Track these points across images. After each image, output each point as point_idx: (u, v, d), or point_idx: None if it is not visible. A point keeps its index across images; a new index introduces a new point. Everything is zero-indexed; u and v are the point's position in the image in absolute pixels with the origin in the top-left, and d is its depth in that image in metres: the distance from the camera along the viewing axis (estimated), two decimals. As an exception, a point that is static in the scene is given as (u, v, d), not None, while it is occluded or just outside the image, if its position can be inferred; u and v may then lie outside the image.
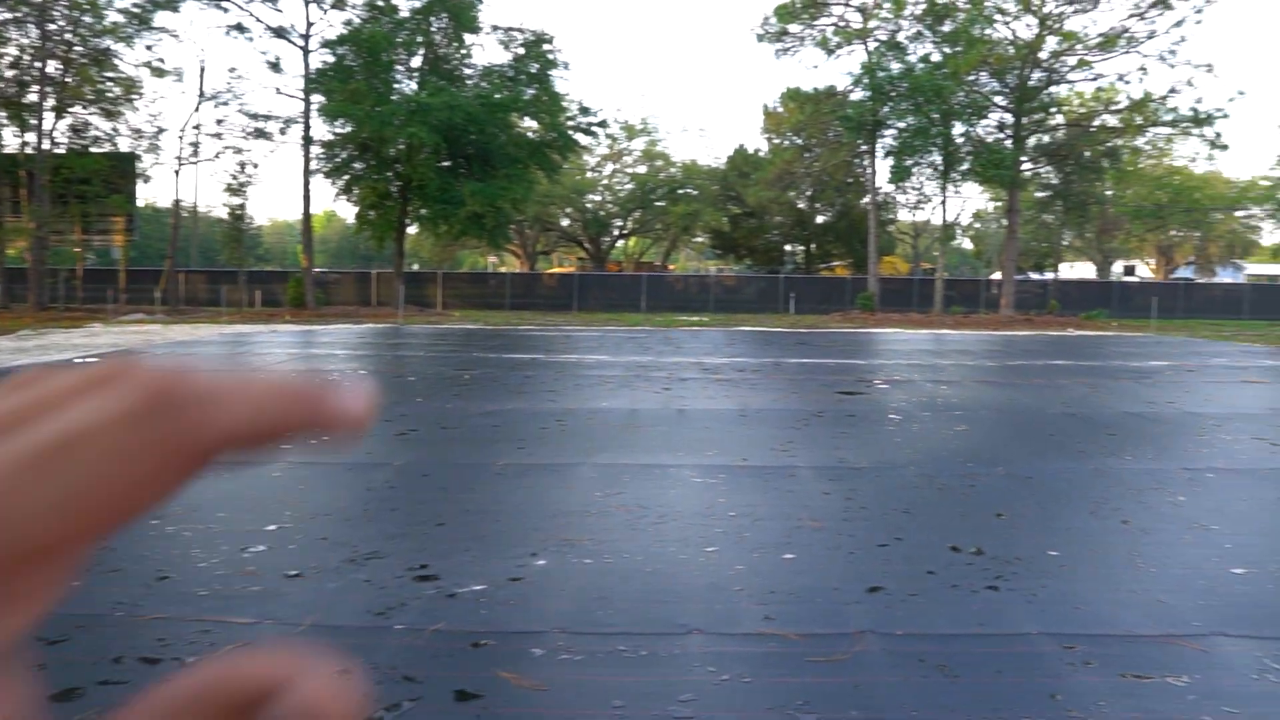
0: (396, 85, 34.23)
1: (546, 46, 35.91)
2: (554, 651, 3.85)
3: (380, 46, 31.28)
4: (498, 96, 34.12)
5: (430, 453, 8.08)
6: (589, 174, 59.88)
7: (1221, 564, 5.11)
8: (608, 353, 18.61)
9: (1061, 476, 7.25)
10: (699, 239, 64.46)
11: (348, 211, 37.74)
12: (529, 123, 38.30)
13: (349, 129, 33.57)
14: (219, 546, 5.26)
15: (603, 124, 37.86)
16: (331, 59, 32.86)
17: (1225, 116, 33.22)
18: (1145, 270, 73.77)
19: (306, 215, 35.30)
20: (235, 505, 6.13)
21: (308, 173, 34.27)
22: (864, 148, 37.03)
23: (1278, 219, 59.08)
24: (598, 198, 59.01)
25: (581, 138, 38.63)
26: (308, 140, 33.95)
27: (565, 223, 61.00)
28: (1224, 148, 32.45)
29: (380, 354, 17.97)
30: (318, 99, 33.08)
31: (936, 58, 34.28)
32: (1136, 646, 3.94)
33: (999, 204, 51.14)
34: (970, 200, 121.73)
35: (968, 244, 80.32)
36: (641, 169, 59.34)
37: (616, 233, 60.35)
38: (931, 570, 4.89)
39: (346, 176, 35.11)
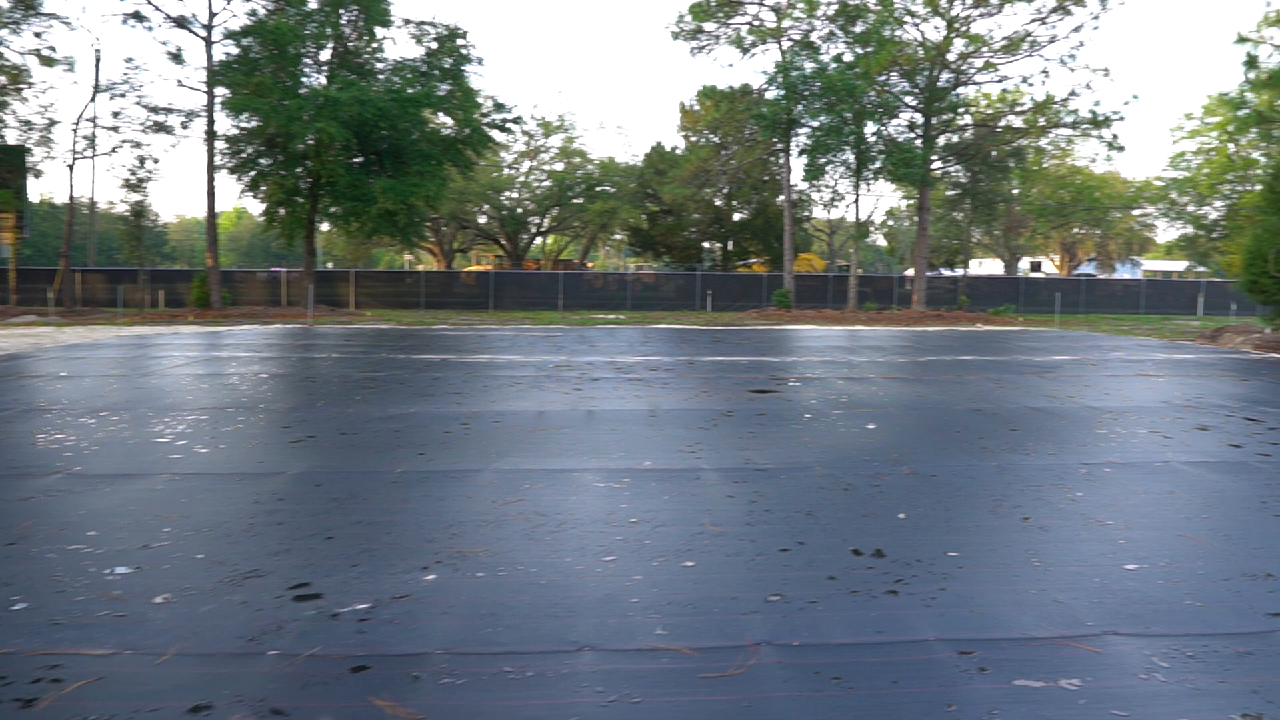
0: (305, 79, 33.24)
1: (460, 42, 35.31)
2: (436, 675, 3.64)
3: (287, 38, 30.31)
4: (410, 92, 33.41)
5: (326, 461, 7.74)
6: (506, 171, 59.26)
7: (1115, 560, 5.14)
8: (520, 352, 18.32)
9: (965, 474, 7.28)
10: (618, 237, 64.45)
11: (257, 208, 36.56)
12: (443, 119, 37.69)
13: (254, 123, 32.50)
14: (85, 569, 4.90)
15: (517, 120, 37.42)
16: (236, 50, 31.73)
17: (1121, 119, 34.44)
18: (1050, 267, 76.31)
19: (211, 212, 34.05)
20: (109, 523, 5.75)
21: (211, 168, 33.06)
22: (779, 146, 37.31)
23: (1170, 218, 61.63)
24: (515, 195, 58.45)
25: (496, 134, 38.13)
26: (211, 135, 32.76)
27: (482, 220, 60.29)
28: (1121, 149, 33.56)
29: (284, 356, 17.36)
30: (221, 92, 31.95)
31: (849, 58, 34.75)
32: (1032, 650, 3.90)
33: (911, 202, 52.24)
34: (884, 198, 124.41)
35: (882, 241, 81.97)
36: (559, 166, 58.98)
37: (534, 230, 59.86)
38: (832, 576, 4.80)
39: (253, 172, 33.99)
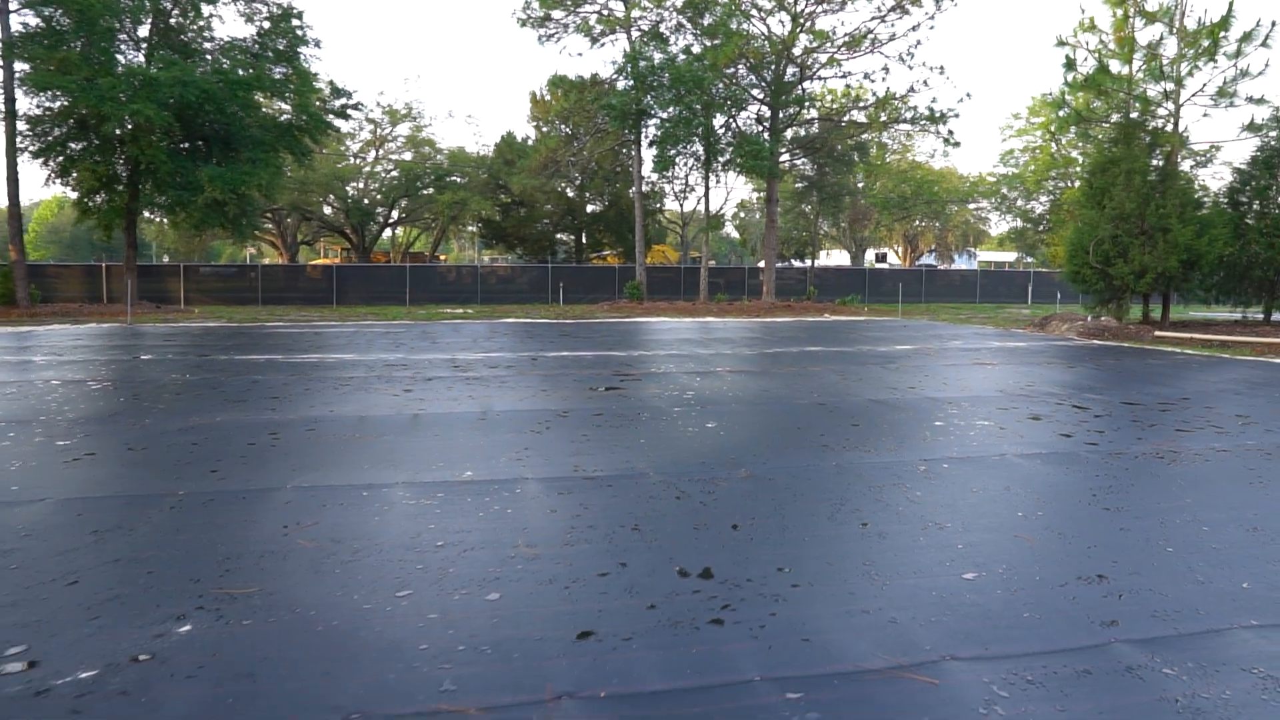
0: (120, 57, 30.69)
1: (295, 22, 33.39)
2: (155, 767, 2.93)
3: (95, 10, 27.82)
4: (240, 74, 31.35)
5: (99, 483, 6.76)
6: (353, 161, 56.90)
7: (953, 569, 4.86)
8: (356, 351, 17.27)
9: (804, 475, 6.96)
10: (471, 228, 62.91)
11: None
12: (279, 104, 35.62)
13: (61, 103, 29.79)
14: None
15: (357, 106, 35.76)
16: (37, 21, 28.93)
17: (957, 116, 35.72)
18: (895, 258, 79.26)
19: (14, 199, 31.02)
20: None
21: (13, 151, 30.07)
22: (630, 137, 37.00)
23: (1001, 211, 64.99)
24: (361, 185, 56.19)
25: (336, 121, 36.34)
26: (11, 114, 29.79)
27: (328, 212, 57.70)
28: (956, 145, 34.92)
29: (88, 360, 15.75)
30: (20, 67, 29.07)
31: (697, 49, 34.75)
32: (866, 686, 3.49)
33: (760, 194, 53.03)
34: (735, 190, 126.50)
35: (735, 233, 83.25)
36: (407, 156, 57.04)
37: (382, 222, 57.73)
38: (653, 604, 4.31)
39: (61, 157, 31.17)
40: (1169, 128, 24.43)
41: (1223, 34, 23.28)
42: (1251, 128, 23.79)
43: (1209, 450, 8.18)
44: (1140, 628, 4.11)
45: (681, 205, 47.93)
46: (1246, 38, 23.14)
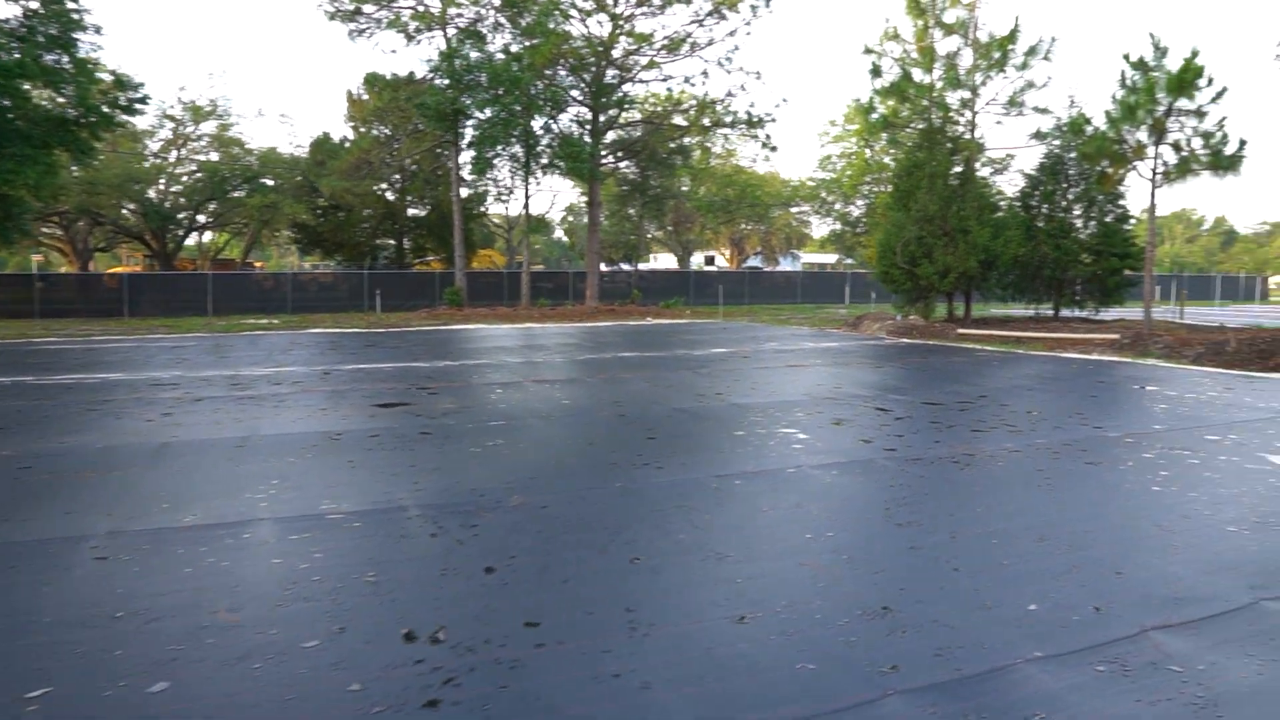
0: None
1: (70, 4, 30.31)
2: None
3: None
4: (2, 59, 28.16)
5: None
6: (153, 160, 52.71)
7: (728, 609, 4.30)
8: (128, 369, 15.52)
9: (583, 501, 6.31)
10: (285, 234, 59.56)
11: None
12: (57, 97, 32.24)
13: None
14: None
15: (145, 100, 32.81)
16: None
17: (774, 120, 36.39)
18: (723, 261, 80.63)
19: None
20: None
21: None
22: (448, 138, 35.71)
23: (821, 215, 67.21)
24: (162, 187, 52.11)
25: (123, 116, 33.27)
26: None
27: (126, 215, 53.17)
28: (774, 149, 35.49)
29: None
30: None
31: (516, 49, 33.91)
32: (594, 784, 2.84)
33: (587, 197, 52.66)
34: (563, 194, 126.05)
35: (565, 237, 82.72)
36: (214, 156, 53.34)
37: (187, 227, 53.75)
38: (360, 684, 3.51)
39: None
40: (967, 134, 25.46)
41: (1011, 47, 24.43)
42: (1038, 136, 25.09)
43: (1002, 451, 8.08)
44: (921, 672, 3.65)
45: (506, 208, 46.99)
46: (1032, 51, 24.37)
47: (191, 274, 40.38)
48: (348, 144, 47.30)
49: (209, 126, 53.81)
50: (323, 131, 54.57)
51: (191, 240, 61.79)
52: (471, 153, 32.80)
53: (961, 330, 22.52)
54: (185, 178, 52.21)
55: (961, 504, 6.26)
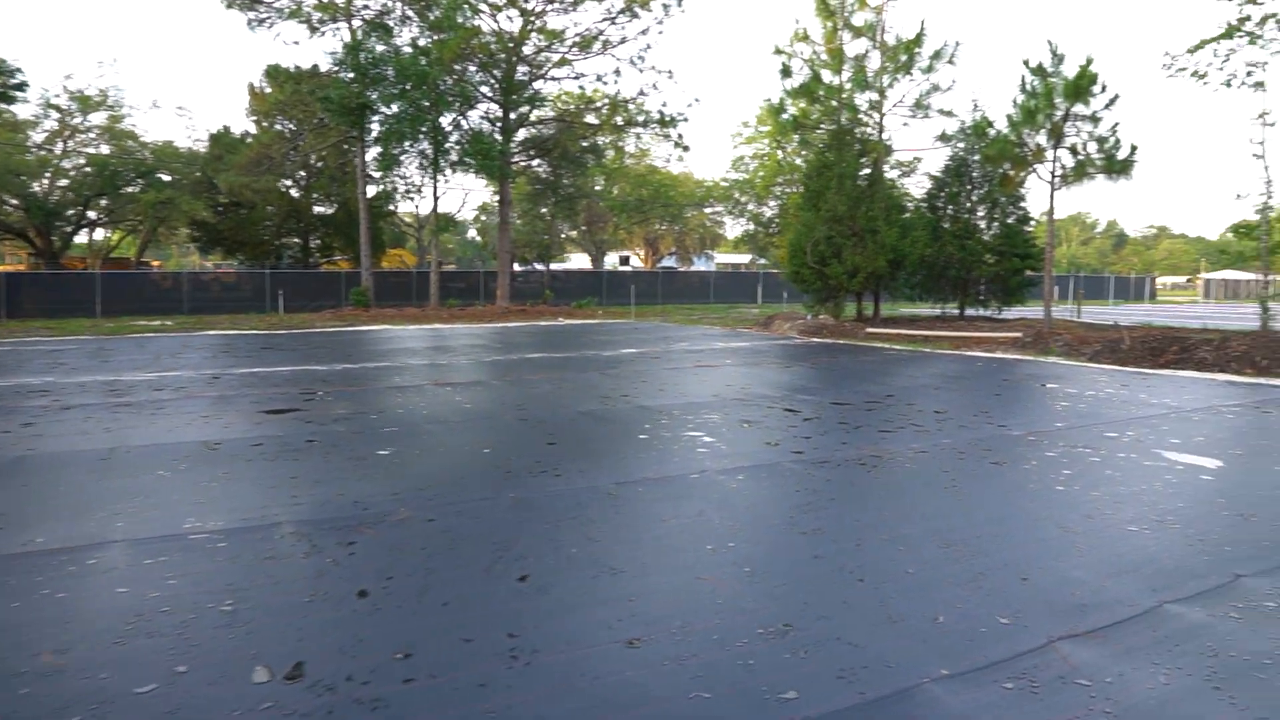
0: None
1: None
2: None
3: None
4: None
5: None
6: (38, 152, 49.95)
7: (619, 632, 3.99)
8: (-4, 373, 14.48)
9: (473, 514, 5.94)
10: (184, 231, 57.19)
11: None
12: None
13: None
14: None
15: (22, 86, 31.05)
16: None
17: (686, 120, 36.31)
18: (638, 261, 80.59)
19: None
20: None
21: None
22: (354, 134, 34.65)
23: (734, 215, 67.68)
24: (46, 182, 49.42)
25: (-1, 105, 31.42)
26: None
27: (10, 210, 50.26)
28: (686, 148, 35.46)
29: None
30: None
31: (424, 43, 33.12)
32: None
33: (499, 196, 51.85)
34: (476, 192, 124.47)
35: (477, 236, 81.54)
36: (105, 149, 50.84)
37: (75, 224, 51.11)
38: (195, 735, 3.10)
39: None
40: (876, 136, 25.74)
41: (917, 50, 24.79)
42: (943, 138, 25.54)
43: (908, 452, 7.97)
44: (821, 698, 3.40)
45: (416, 207, 45.90)
46: (937, 55, 24.77)
47: (78, 273, 38.37)
48: (250, 138, 45.65)
49: (99, 118, 51.47)
50: (223, 125, 52.51)
51: (84, 238, 59.05)
52: (378, 149, 31.83)
53: (870, 329, 22.72)
54: (73, 171, 49.74)
55: (867, 509, 6.08)
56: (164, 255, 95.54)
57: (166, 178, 47.34)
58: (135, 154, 48.88)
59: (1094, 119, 20.77)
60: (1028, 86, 21.43)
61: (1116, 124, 20.56)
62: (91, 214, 51.85)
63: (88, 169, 49.04)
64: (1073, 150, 21.08)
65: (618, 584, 4.61)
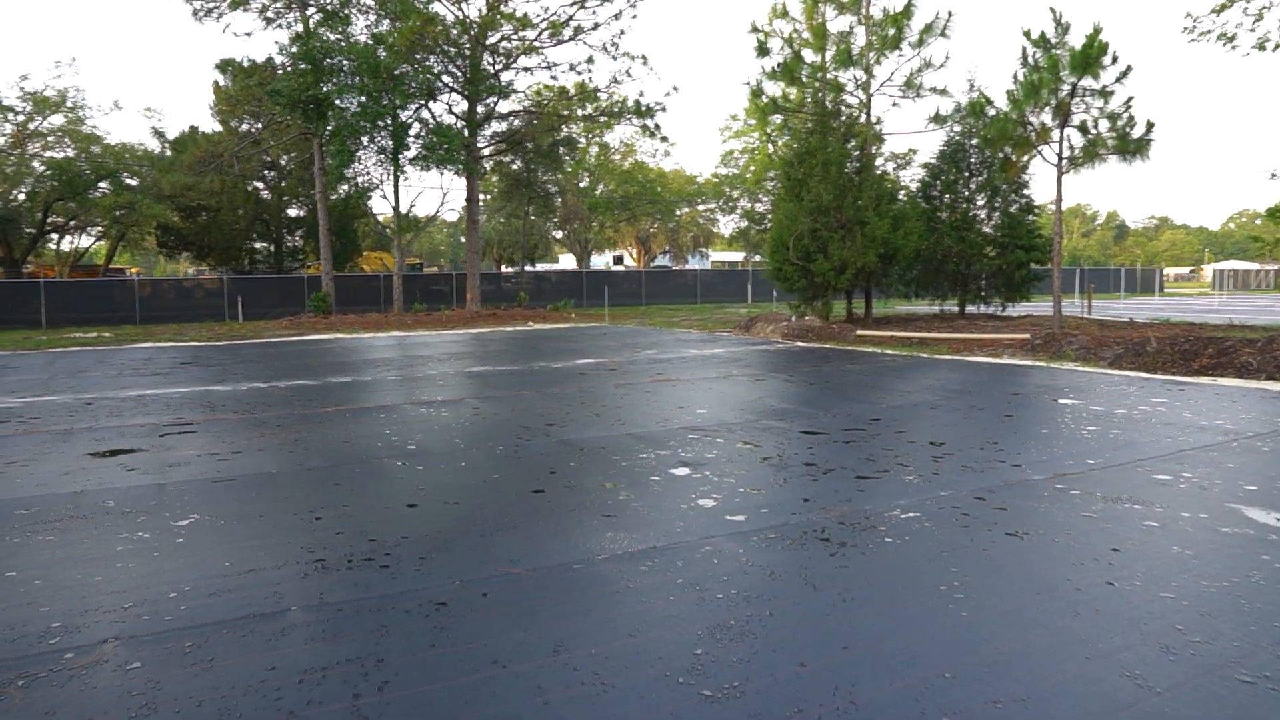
0: None
1: None
2: None
3: None
4: None
5: None
6: (2, 155, 47.70)
7: None
8: None
9: (200, 659, 3.80)
10: (151, 235, 54.95)
11: None
12: None
13: None
14: None
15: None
16: None
17: (664, 109, 34.04)
18: (630, 260, 78.47)
19: None
20: None
21: None
22: (310, 129, 32.46)
23: (725, 211, 65.59)
24: (3, 187, 47.20)
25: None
26: None
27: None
28: (665, 139, 33.40)
29: None
30: None
31: (382, 29, 30.99)
32: None
33: (487, 196, 49.63)
34: (454, 191, 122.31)
35: (463, 237, 79.38)
36: (70, 153, 48.65)
37: (35, 230, 48.85)
38: None
39: None
40: (863, 118, 23.60)
41: (906, 23, 22.63)
42: (937, 119, 23.36)
43: (892, 515, 5.83)
44: None
45: (396, 207, 43.44)
46: (928, 29, 22.61)
47: (22, 281, 36.18)
48: (221, 138, 43.43)
49: (58, 119, 49.31)
50: (189, 125, 50.28)
51: (57, 246, 56.99)
52: (332, 145, 29.60)
53: (861, 331, 20.56)
54: (30, 176, 47.53)
55: (818, 638, 3.93)
56: (142, 261, 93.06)
57: (132, 181, 45.18)
58: (94, 157, 46.69)
59: (1104, 93, 18.62)
60: (1030, 59, 19.28)
61: (1130, 98, 18.43)
62: (58, 220, 49.65)
63: (46, 173, 46.87)
64: (1082, 129, 18.92)
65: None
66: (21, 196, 46.49)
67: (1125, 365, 14.09)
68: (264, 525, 5.82)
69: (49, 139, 50.12)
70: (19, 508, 6.33)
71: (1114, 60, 18.49)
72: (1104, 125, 18.84)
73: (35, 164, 46.94)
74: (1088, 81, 18.69)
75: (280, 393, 12.64)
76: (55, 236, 54.16)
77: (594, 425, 9.43)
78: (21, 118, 50.38)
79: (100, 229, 52.82)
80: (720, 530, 5.52)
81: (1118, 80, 18.57)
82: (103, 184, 45.10)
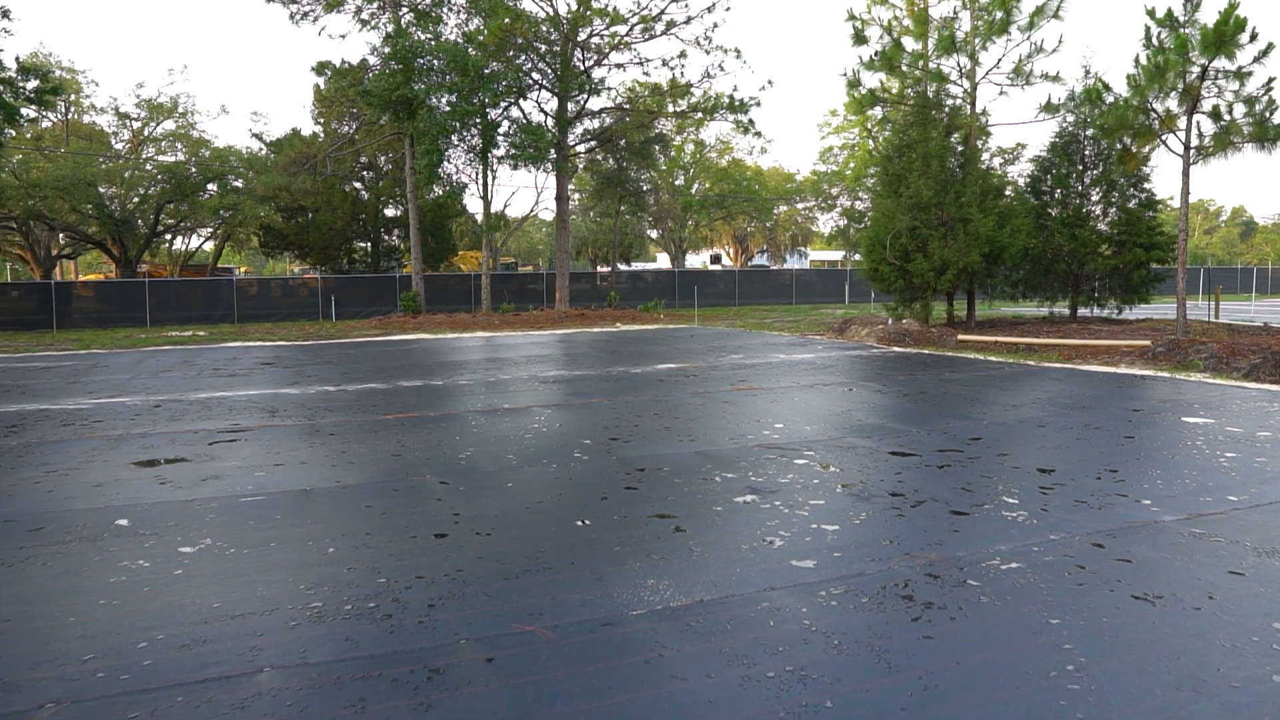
0: None
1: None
2: None
3: None
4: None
5: None
6: (108, 161, 49.67)
7: None
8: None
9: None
10: (255, 236, 56.52)
11: None
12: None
13: None
14: None
15: (56, 90, 29.84)
16: None
17: (758, 104, 33.06)
18: (728, 260, 77.40)
19: None
20: None
21: None
22: (402, 130, 32.58)
23: (824, 209, 63.96)
24: (117, 190, 49.08)
25: (31, 109, 30.30)
26: None
27: (87, 220, 50.16)
28: (759, 134, 32.72)
29: None
30: None
31: (475, 27, 30.87)
32: None
33: (578, 192, 49.36)
34: (548, 190, 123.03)
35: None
36: (181, 156, 50.36)
37: (147, 232, 50.68)
38: None
39: None
40: (966, 108, 22.21)
41: (1015, 6, 21.19)
42: (1048, 108, 21.74)
43: (992, 563, 4.90)
44: None
45: (491, 206, 43.55)
46: (1039, 11, 21.11)
47: (129, 281, 37.33)
48: (321, 139, 44.27)
49: (169, 125, 51.14)
50: (292, 128, 51.43)
51: (164, 246, 59.16)
52: (422, 144, 29.53)
53: (962, 336, 19.26)
54: (144, 180, 49.32)
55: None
56: (260, 262, 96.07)
57: (240, 183, 46.42)
58: (202, 160, 48.17)
59: (1240, 75, 16.93)
60: (1154, 39, 17.70)
61: (1271, 79, 16.70)
62: (169, 221, 51.41)
63: (158, 176, 48.54)
64: (1214, 114, 17.26)
65: None
66: (136, 200, 48.23)
67: (1265, 378, 12.59)
68: (273, 557, 5.24)
69: (162, 144, 52.12)
70: (31, 524, 5.93)
71: (1252, 38, 16.77)
72: (1239, 110, 17.18)
73: (149, 167, 48.74)
74: (1221, 62, 17.03)
75: (346, 397, 12.27)
76: (169, 237, 56.20)
77: (661, 440, 8.67)
78: (138, 124, 52.55)
79: (209, 230, 54.59)
80: (783, 580, 4.69)
81: (1256, 60, 16.85)
82: (210, 186, 46.46)
